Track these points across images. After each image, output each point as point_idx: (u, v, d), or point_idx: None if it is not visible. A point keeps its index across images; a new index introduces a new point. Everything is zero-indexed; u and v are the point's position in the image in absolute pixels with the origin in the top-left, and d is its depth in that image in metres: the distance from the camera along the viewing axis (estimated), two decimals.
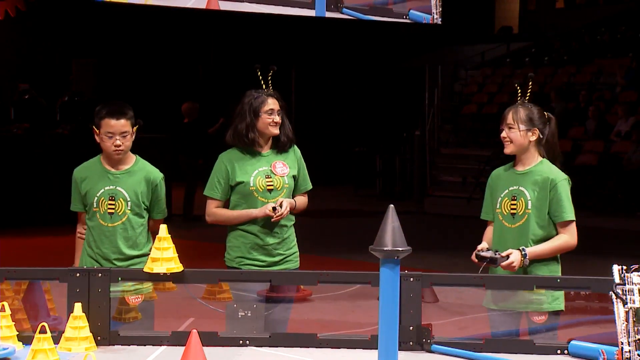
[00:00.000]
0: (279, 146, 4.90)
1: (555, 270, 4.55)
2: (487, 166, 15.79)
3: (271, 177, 4.84)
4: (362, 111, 19.97)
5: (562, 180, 4.52)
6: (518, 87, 4.68)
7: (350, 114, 19.93)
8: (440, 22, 5.53)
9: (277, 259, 4.86)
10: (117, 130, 4.62)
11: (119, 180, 4.69)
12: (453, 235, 12.37)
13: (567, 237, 4.51)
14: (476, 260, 4.44)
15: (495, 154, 15.78)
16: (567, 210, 4.50)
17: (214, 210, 4.90)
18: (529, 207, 4.49)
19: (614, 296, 3.20)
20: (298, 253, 4.99)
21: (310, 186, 5.01)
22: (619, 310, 3.18)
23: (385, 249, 3.04)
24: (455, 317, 5.59)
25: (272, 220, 4.79)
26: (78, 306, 3.63)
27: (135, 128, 4.70)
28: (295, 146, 4.99)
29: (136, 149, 4.82)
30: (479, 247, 4.49)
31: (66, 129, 14.19)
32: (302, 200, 4.98)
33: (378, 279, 3.10)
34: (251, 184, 4.82)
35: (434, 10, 5.31)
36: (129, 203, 4.67)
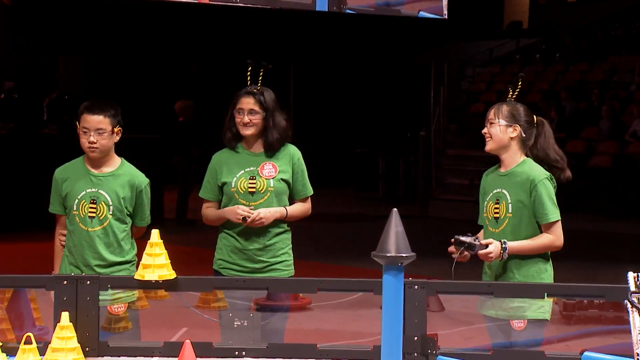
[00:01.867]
0: (266, 147, 4.88)
1: (543, 269, 4.56)
2: (488, 167, 15.79)
3: (255, 179, 4.83)
4: (364, 110, 19.98)
5: (543, 180, 4.53)
6: (510, 88, 4.69)
7: (352, 113, 19.93)
8: (445, 17, 5.52)
9: (258, 265, 4.85)
10: (92, 126, 4.59)
11: (102, 182, 4.67)
12: None
13: (552, 238, 4.53)
14: (453, 245, 4.46)
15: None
16: (549, 211, 4.51)
17: (204, 211, 4.98)
18: (510, 210, 4.53)
19: (629, 305, 3.19)
20: (289, 262, 4.95)
21: (310, 192, 4.98)
22: (635, 319, 3.18)
23: (388, 255, 3.04)
24: (462, 327, 5.59)
25: (244, 225, 4.80)
26: (65, 315, 3.62)
27: (117, 129, 4.65)
28: (294, 148, 4.97)
29: (128, 150, 4.81)
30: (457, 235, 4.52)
31: (53, 129, 14.19)
32: (299, 208, 4.95)
33: (381, 287, 3.09)
34: (232, 185, 4.85)
35: (445, 12, 5.30)
36: (111, 207, 4.65)
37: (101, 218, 4.64)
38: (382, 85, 20.16)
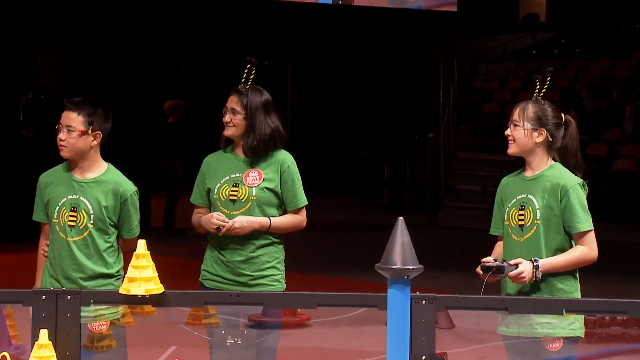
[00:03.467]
0: (244, 151, 4.89)
1: (573, 287, 4.54)
2: (509, 173, 15.79)
3: (238, 187, 4.85)
4: (367, 110, 19.99)
5: (575, 186, 4.52)
6: (538, 82, 4.66)
7: (354, 113, 19.94)
8: (455, 10, 5.54)
9: (242, 279, 4.84)
10: (64, 122, 4.59)
11: (84, 189, 4.64)
12: (471, 251, 12.32)
13: (586, 249, 4.50)
14: (481, 273, 4.45)
15: (519, 159, 15.80)
16: (582, 220, 4.49)
17: (192, 218, 5.01)
18: (538, 217, 4.49)
19: None
20: (278, 276, 4.93)
21: (302, 203, 4.93)
22: None
23: (393, 267, 3.04)
24: (473, 345, 5.60)
25: (219, 234, 4.81)
26: (44, 333, 3.62)
27: (95, 133, 4.62)
28: (285, 154, 4.94)
29: (112, 153, 4.81)
30: (484, 259, 4.50)
31: (30, 131, 14.19)
32: (287, 220, 4.92)
33: (385, 302, 3.10)
34: (215, 192, 4.87)
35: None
36: (92, 216, 4.62)
37: (81, 227, 4.62)
38: (386, 83, 20.18)
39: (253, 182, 4.85)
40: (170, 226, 13.63)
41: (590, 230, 4.50)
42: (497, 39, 20.98)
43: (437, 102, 17.81)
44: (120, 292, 3.79)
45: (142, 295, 3.76)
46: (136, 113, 16.92)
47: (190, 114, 14.46)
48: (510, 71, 20.22)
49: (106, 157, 4.78)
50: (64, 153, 4.62)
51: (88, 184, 4.66)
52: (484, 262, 4.45)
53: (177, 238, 13.09)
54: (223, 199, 4.83)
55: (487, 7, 21.11)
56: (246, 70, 4.92)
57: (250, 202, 4.83)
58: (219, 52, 19.51)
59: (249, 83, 4.91)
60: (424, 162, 16.99)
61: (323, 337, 6.10)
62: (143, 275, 3.76)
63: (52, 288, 4.12)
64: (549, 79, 4.69)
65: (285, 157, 4.93)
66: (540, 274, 4.42)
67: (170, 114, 13.80)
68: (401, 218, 3.12)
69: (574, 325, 4.43)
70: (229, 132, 4.88)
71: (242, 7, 18.16)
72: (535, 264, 4.41)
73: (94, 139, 4.63)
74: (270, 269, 4.90)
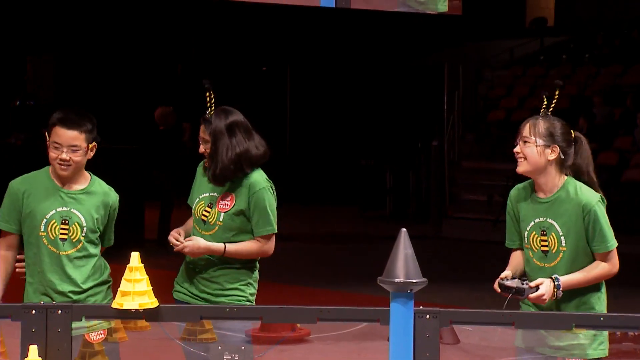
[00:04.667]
0: (210, 178, 4.89)
1: (599, 300, 4.54)
2: (516, 183, 15.78)
3: (211, 208, 4.90)
4: (369, 117, 20.00)
5: (597, 203, 4.47)
6: (545, 98, 4.62)
7: (356, 120, 19.95)
8: (460, 13, 5.55)
9: (204, 295, 4.91)
10: (65, 142, 4.58)
11: (75, 202, 4.65)
12: (476, 264, 12.36)
13: (609, 267, 4.50)
14: (499, 290, 4.44)
15: None
16: (608, 239, 4.47)
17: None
18: (564, 244, 4.46)
19: None
20: (243, 299, 4.92)
21: (268, 231, 4.88)
22: None
23: (396, 280, 3.05)
24: None
25: (175, 250, 4.89)
26: (34, 349, 3.62)
27: (92, 145, 4.64)
28: (258, 177, 4.89)
29: (103, 162, 4.82)
30: (503, 274, 4.49)
31: (19, 139, 14.22)
32: (247, 248, 4.89)
33: (388, 316, 3.10)
34: (193, 208, 4.96)
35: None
36: (85, 229, 4.64)
37: (74, 240, 4.63)
38: (389, 89, 20.19)
39: (224, 206, 4.89)
40: (165, 237, 13.58)
41: (610, 252, 4.50)
42: (503, 44, 21.02)
43: (442, 109, 17.83)
44: (112, 306, 3.79)
45: (135, 310, 3.76)
46: (128, 120, 16.94)
47: (183, 120, 14.46)
48: (517, 77, 20.25)
49: (96, 166, 4.80)
50: (67, 173, 4.62)
51: (78, 195, 4.67)
52: (502, 279, 4.44)
53: (171, 250, 13.06)
54: (197, 217, 4.93)
55: (493, 11, 21.15)
56: (207, 96, 4.91)
57: (217, 227, 4.88)
58: (216, 57, 19.53)
59: (212, 107, 4.90)
60: (428, 171, 17.00)
61: (323, 353, 6.10)
62: (137, 289, 3.76)
63: (42, 303, 4.12)
64: (557, 92, 4.64)
65: (255, 181, 4.89)
66: (561, 293, 4.41)
67: (161, 122, 13.82)
68: (404, 229, 3.13)
69: (602, 345, 4.42)
70: (207, 162, 4.94)
71: (240, 9, 18.18)
72: (556, 283, 4.39)
73: (92, 152, 4.66)
74: (233, 289, 4.93)
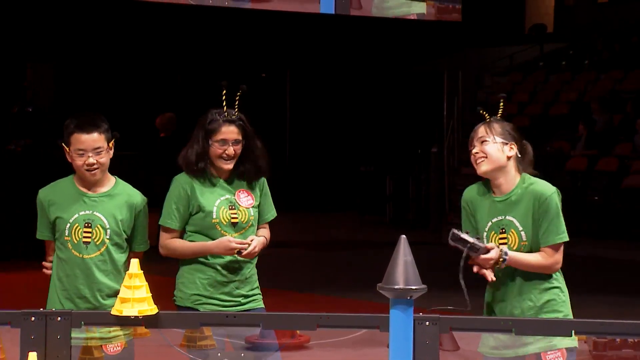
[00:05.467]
0: (244, 178, 4.91)
1: (558, 298, 4.54)
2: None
3: (236, 209, 4.87)
4: (368, 123, 20.01)
5: (552, 194, 4.51)
6: (502, 103, 4.69)
7: (355, 126, 19.96)
8: (460, 20, 5.56)
9: (238, 299, 4.89)
10: (89, 146, 4.61)
11: (97, 204, 4.67)
12: None
13: (556, 259, 4.48)
14: (451, 243, 4.46)
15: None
16: (560, 230, 4.49)
17: (168, 242, 4.93)
18: (524, 238, 4.50)
19: None
20: (260, 295, 5.00)
21: (274, 214, 5.02)
22: None
23: (396, 287, 3.05)
24: None
25: (239, 257, 4.83)
26: (33, 356, 3.62)
27: (111, 143, 4.69)
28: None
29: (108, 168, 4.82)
30: (455, 230, 4.51)
31: (19, 146, 14.21)
32: (268, 233, 5.00)
33: (388, 323, 3.10)
34: (214, 216, 4.84)
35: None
36: (108, 231, 4.66)
37: (98, 243, 4.65)
38: (389, 96, 20.20)
39: (248, 203, 4.89)
40: None
41: (564, 242, 4.50)
42: (503, 50, 21.02)
43: (441, 115, 17.82)
44: (112, 313, 3.79)
45: (135, 317, 3.76)
46: (129, 127, 16.94)
47: (183, 128, 14.46)
48: (516, 83, 20.25)
49: None
50: (98, 175, 4.65)
51: (100, 198, 4.70)
52: (457, 232, 4.46)
53: (171, 257, 13.07)
54: (224, 223, 4.84)
55: (493, 18, 21.16)
56: (225, 94, 4.88)
57: (250, 224, 4.88)
58: (215, 66, 19.52)
59: (235, 107, 4.90)
60: (428, 178, 17.00)
61: (323, 359, 6.08)
62: (136, 296, 3.76)
63: (42, 310, 4.11)
64: (501, 105, 4.70)
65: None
66: (504, 266, 4.44)
67: (162, 129, 13.82)
68: (404, 236, 3.13)
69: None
70: (229, 165, 4.86)
71: (239, 17, 18.19)
72: (504, 256, 4.43)
73: (112, 150, 4.71)
74: (257, 287, 4.98)
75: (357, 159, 18.92)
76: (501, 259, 4.45)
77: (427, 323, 3.70)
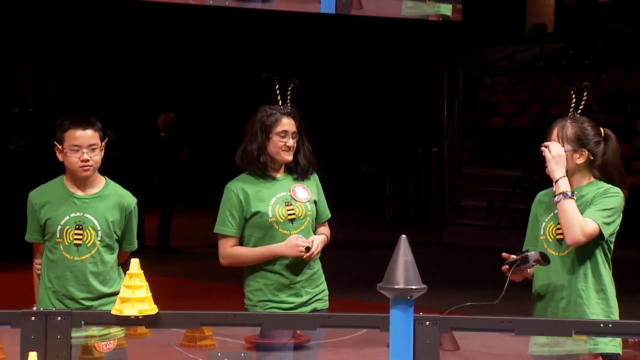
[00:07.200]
0: (298, 172, 4.95)
1: (611, 304, 4.54)
2: (517, 189, 15.80)
3: (292, 205, 4.87)
4: (369, 124, 20.01)
5: (618, 191, 4.51)
6: (574, 95, 4.63)
7: (356, 126, 19.96)
8: (460, 19, 5.56)
9: (305, 298, 4.91)
10: (85, 142, 4.62)
11: (88, 205, 4.68)
12: (477, 270, 12.36)
13: (589, 229, 4.42)
14: (508, 272, 4.45)
15: (527, 175, 15.80)
16: (605, 214, 4.47)
17: (230, 251, 4.89)
18: None
19: None
20: (327, 292, 5.03)
21: (329, 214, 5.08)
22: None
23: (396, 287, 3.05)
24: None
25: (305, 257, 4.84)
26: (33, 356, 3.62)
27: (104, 143, 4.71)
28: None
29: (102, 168, 4.83)
30: (505, 254, 4.49)
31: (19, 146, 14.21)
32: (328, 231, 5.05)
33: (388, 323, 3.10)
34: (270, 215, 4.84)
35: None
36: (99, 233, 4.67)
37: (89, 245, 4.66)
38: (389, 96, 20.20)
39: (304, 197, 4.92)
40: (165, 244, 13.61)
41: (600, 227, 4.45)
42: (503, 50, 21.01)
43: (442, 115, 17.83)
44: (112, 312, 3.79)
45: (135, 316, 3.76)
46: (128, 127, 16.93)
47: (184, 128, 14.48)
48: (517, 83, 20.25)
49: (99, 171, 4.80)
50: (90, 172, 4.67)
51: (91, 199, 4.70)
52: (507, 258, 4.45)
53: (171, 256, 13.08)
54: (281, 220, 4.84)
55: (493, 18, 21.15)
56: (279, 88, 4.94)
57: (308, 218, 4.91)
58: (215, 67, 19.52)
59: (289, 102, 4.96)
60: (428, 178, 17.00)
61: (323, 359, 6.08)
62: (136, 296, 3.76)
63: (42, 309, 4.12)
64: (585, 94, 4.63)
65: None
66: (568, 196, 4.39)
67: (163, 129, 13.83)
68: (404, 236, 3.12)
69: (614, 341, 4.42)
70: (289, 156, 4.91)
71: (238, 18, 18.20)
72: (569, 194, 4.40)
73: (102, 150, 4.72)
74: (322, 283, 5.02)
75: (358, 159, 18.91)
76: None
77: (428, 323, 3.70)
